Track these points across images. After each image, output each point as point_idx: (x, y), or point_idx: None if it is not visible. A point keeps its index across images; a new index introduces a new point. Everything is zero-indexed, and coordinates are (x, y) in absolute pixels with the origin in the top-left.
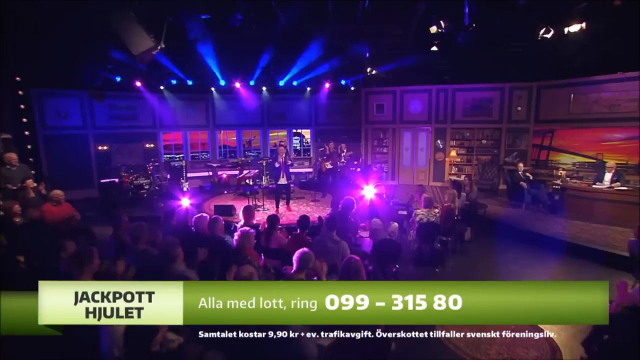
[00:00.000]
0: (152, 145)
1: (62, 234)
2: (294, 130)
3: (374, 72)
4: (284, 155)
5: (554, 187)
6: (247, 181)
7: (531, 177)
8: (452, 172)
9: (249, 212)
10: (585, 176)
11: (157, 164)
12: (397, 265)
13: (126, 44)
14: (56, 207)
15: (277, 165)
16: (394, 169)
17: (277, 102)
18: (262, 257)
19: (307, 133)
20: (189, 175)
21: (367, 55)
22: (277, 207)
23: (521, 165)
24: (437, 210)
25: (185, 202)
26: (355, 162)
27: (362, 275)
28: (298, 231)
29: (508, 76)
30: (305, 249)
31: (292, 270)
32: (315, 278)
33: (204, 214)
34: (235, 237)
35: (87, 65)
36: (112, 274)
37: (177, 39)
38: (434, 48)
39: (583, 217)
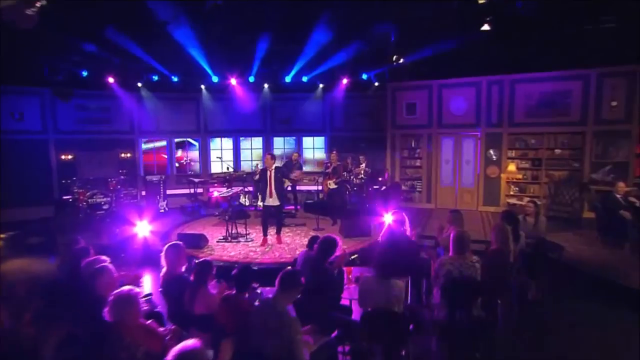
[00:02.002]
0: (128, 155)
1: None
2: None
3: (402, 61)
4: (272, 167)
5: None
6: (243, 200)
7: (638, 203)
8: (511, 193)
9: (176, 252)
10: None
11: (123, 177)
12: (404, 351)
13: None
14: None
15: (256, 177)
16: (429, 188)
17: (282, 102)
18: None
19: (319, 141)
20: (169, 192)
21: (393, 39)
22: (265, 235)
23: (621, 184)
24: (475, 258)
25: (143, 228)
26: (380, 179)
27: None
28: (234, 291)
29: (595, 58)
30: (190, 343)
31: None
32: None
33: (102, 257)
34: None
35: (46, 56)
36: None
37: (155, 25)
38: (485, 27)
39: None
